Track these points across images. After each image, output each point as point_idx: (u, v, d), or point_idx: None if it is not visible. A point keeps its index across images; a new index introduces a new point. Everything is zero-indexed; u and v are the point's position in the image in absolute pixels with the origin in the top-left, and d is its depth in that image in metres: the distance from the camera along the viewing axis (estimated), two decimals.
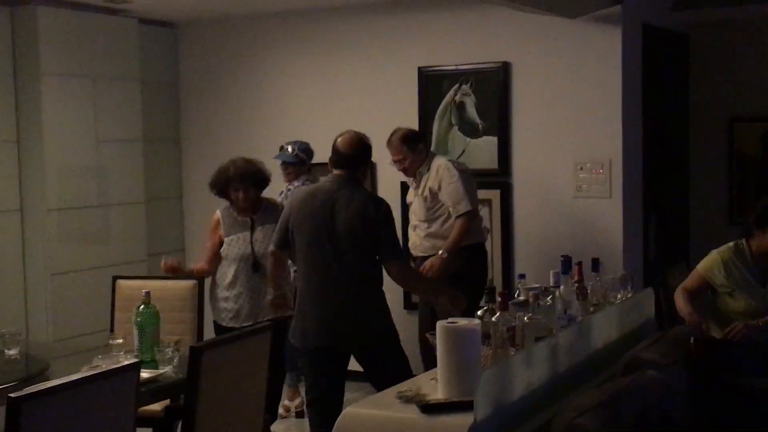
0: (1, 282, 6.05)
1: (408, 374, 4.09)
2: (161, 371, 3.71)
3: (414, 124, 6.39)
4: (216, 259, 5.13)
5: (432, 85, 6.40)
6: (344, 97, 6.73)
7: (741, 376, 4.21)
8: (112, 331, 4.64)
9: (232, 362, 3.53)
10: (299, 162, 5.94)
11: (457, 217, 5.38)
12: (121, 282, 4.86)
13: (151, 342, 3.87)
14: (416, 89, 6.45)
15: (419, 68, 6.43)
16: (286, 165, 5.93)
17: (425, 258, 5.42)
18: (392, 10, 6.53)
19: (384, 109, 6.53)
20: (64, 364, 4.17)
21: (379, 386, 4.08)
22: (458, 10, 6.28)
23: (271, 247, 4.54)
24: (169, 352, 3.77)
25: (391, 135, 5.57)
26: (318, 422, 4.32)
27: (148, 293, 3.98)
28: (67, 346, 5.76)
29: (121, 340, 3.92)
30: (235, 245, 5.07)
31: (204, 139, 7.28)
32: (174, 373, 3.72)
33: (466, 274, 5.32)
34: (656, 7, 6.44)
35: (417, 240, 5.57)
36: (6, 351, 4.00)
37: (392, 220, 4.36)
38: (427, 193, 5.47)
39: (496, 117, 6.20)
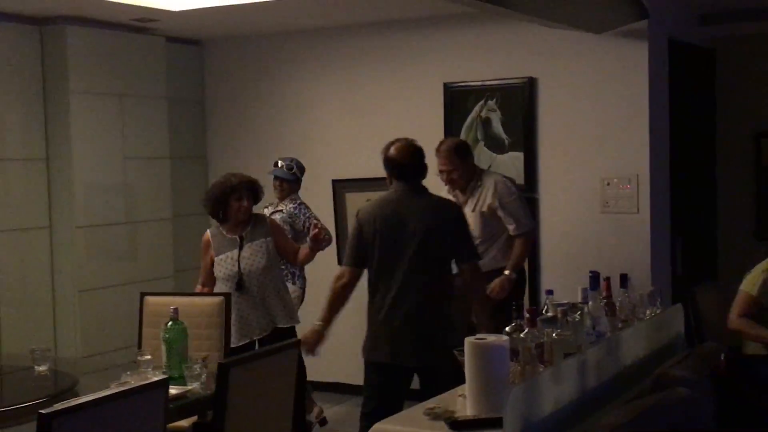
0: (30, 298, 6.10)
1: None
2: (189, 387, 3.72)
3: (440, 139, 6.40)
4: (212, 279, 5.15)
5: (458, 100, 6.41)
6: (370, 113, 6.76)
7: None
8: (140, 347, 4.66)
9: (260, 378, 3.54)
10: (294, 180, 5.95)
11: (518, 236, 5.37)
12: (148, 298, 4.88)
13: (179, 358, 3.89)
14: (442, 105, 6.47)
15: (445, 84, 6.45)
16: (281, 181, 5.94)
17: None
18: (418, 27, 6.55)
19: (410, 124, 6.53)
20: (92, 380, 4.19)
21: None
22: (484, 25, 6.29)
23: (345, 267, 4.44)
24: (197, 369, 3.78)
25: (441, 144, 5.53)
26: None
27: (176, 310, 4.00)
28: (95, 362, 5.80)
29: (149, 357, 3.93)
30: (224, 265, 5.07)
31: (230, 156, 7.32)
32: (202, 389, 3.73)
33: (509, 295, 5.24)
34: (682, 22, 6.43)
35: None
36: (36, 367, 4.03)
37: (466, 219, 4.54)
38: (485, 209, 5.39)
39: (522, 132, 6.20)
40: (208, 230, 5.24)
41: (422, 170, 4.44)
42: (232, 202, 5.06)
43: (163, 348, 3.90)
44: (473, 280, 4.46)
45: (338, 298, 4.44)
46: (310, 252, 5.14)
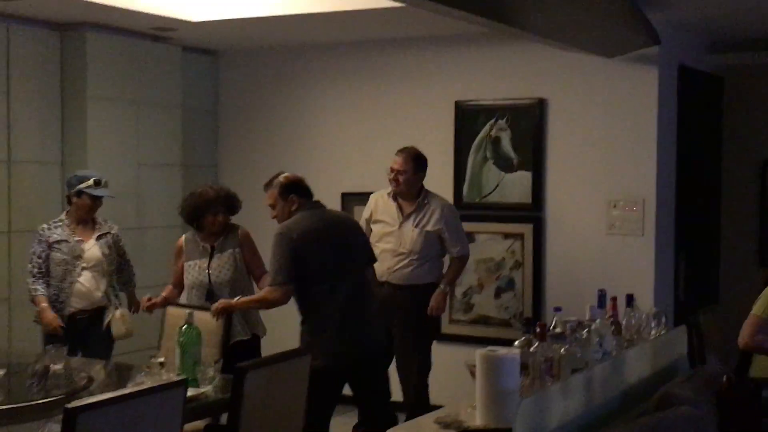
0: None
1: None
2: (202, 390, 3.79)
3: (449, 157, 6.50)
4: (181, 284, 5.23)
5: (468, 118, 6.50)
6: (380, 127, 6.84)
7: None
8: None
9: (274, 383, 3.61)
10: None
11: (458, 258, 5.63)
12: (170, 309, 4.94)
13: (193, 361, 3.95)
14: (452, 122, 6.55)
15: (456, 102, 6.54)
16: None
17: (403, 287, 5.53)
18: (431, 44, 6.64)
19: (420, 141, 6.59)
20: (106, 381, 4.27)
21: (370, 405, 4.58)
22: (496, 45, 6.38)
23: (278, 287, 4.49)
24: (211, 372, 3.85)
25: (407, 147, 5.69)
26: None
27: (191, 314, 4.08)
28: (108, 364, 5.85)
29: (162, 359, 4.00)
30: (191, 273, 5.13)
31: (241, 165, 7.40)
32: (215, 392, 3.80)
33: (423, 309, 5.54)
34: (693, 50, 6.53)
35: (407, 270, 5.59)
36: (51, 366, 4.09)
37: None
38: (431, 229, 5.57)
39: (531, 152, 6.28)
40: (183, 235, 5.30)
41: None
42: (207, 216, 5.10)
43: (178, 351, 3.97)
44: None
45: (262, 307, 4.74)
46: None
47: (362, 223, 5.61)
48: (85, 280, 5.26)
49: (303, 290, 4.46)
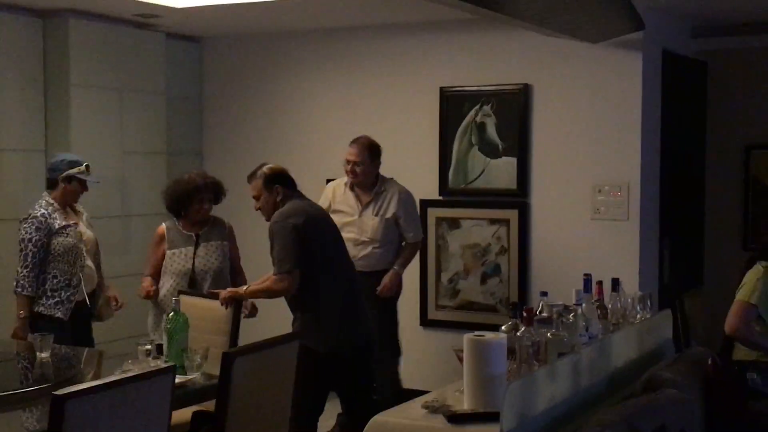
0: None
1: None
2: (190, 377, 3.79)
3: (434, 143, 6.50)
4: (159, 272, 5.13)
5: (453, 105, 6.50)
6: (366, 113, 6.83)
7: (758, 401, 4.28)
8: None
9: (262, 369, 3.61)
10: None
11: (411, 243, 5.75)
12: (184, 298, 4.80)
13: (180, 348, 3.95)
14: (437, 109, 6.55)
15: (441, 88, 6.53)
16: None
17: (367, 273, 5.54)
18: (416, 31, 6.63)
19: (405, 127, 6.64)
20: (92, 368, 4.26)
21: (354, 392, 4.60)
22: (481, 31, 6.38)
23: (286, 275, 4.49)
24: (198, 359, 3.85)
25: (358, 138, 5.73)
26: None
27: (178, 301, 4.07)
28: (93, 352, 5.83)
29: (149, 347, 3.99)
30: (177, 259, 5.08)
31: (226, 152, 7.38)
32: (203, 379, 3.80)
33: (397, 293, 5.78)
34: (676, 35, 6.55)
35: (370, 257, 5.67)
36: (38, 354, 4.08)
37: None
38: (389, 216, 5.66)
39: (516, 138, 6.29)
40: (163, 223, 5.23)
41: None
42: (194, 203, 5.07)
43: (165, 338, 3.97)
44: None
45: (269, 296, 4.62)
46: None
47: None
48: (88, 263, 5.17)
49: (305, 278, 4.47)
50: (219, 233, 5.15)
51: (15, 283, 4.97)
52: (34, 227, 4.94)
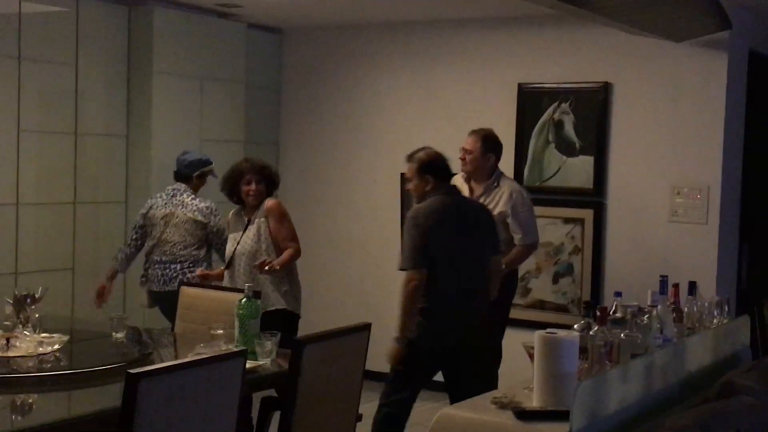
0: (103, 269, 6.24)
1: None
2: (260, 363, 3.82)
3: (511, 140, 6.45)
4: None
5: (531, 101, 6.45)
6: (442, 108, 6.82)
7: None
8: (173, 330, 4.92)
9: (332, 357, 3.63)
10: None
11: (521, 246, 5.47)
12: (184, 289, 4.93)
13: (251, 334, 3.98)
14: (515, 105, 6.51)
15: (519, 84, 6.49)
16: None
17: None
18: (495, 26, 6.60)
19: (482, 123, 6.53)
20: (162, 351, 4.34)
21: (466, 391, 4.26)
22: (561, 28, 6.32)
23: (412, 272, 4.49)
24: (269, 345, 3.88)
25: (480, 128, 5.61)
26: (389, 423, 4.55)
27: (250, 287, 4.10)
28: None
29: (221, 331, 4.03)
30: (228, 245, 5.27)
31: (302, 143, 7.44)
32: (272, 365, 3.84)
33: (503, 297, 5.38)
34: (764, 35, 6.39)
35: None
36: (114, 334, 4.16)
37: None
38: (496, 214, 5.39)
39: (594, 137, 6.22)
40: (231, 210, 5.39)
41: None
42: (241, 186, 5.20)
43: (237, 323, 4.01)
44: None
45: (414, 302, 4.52)
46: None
47: None
48: None
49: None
50: (259, 213, 5.20)
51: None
52: (220, 217, 5.56)
